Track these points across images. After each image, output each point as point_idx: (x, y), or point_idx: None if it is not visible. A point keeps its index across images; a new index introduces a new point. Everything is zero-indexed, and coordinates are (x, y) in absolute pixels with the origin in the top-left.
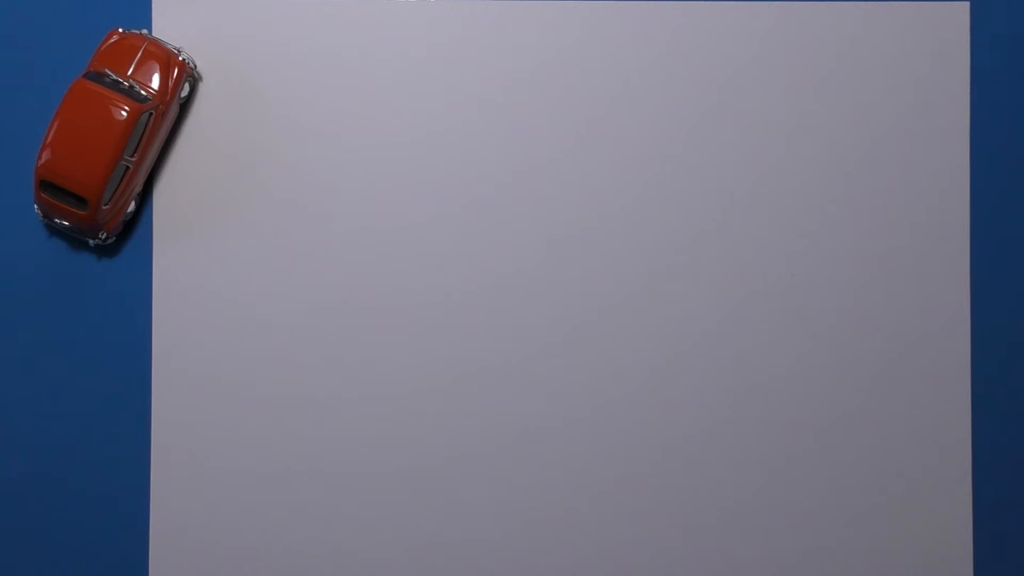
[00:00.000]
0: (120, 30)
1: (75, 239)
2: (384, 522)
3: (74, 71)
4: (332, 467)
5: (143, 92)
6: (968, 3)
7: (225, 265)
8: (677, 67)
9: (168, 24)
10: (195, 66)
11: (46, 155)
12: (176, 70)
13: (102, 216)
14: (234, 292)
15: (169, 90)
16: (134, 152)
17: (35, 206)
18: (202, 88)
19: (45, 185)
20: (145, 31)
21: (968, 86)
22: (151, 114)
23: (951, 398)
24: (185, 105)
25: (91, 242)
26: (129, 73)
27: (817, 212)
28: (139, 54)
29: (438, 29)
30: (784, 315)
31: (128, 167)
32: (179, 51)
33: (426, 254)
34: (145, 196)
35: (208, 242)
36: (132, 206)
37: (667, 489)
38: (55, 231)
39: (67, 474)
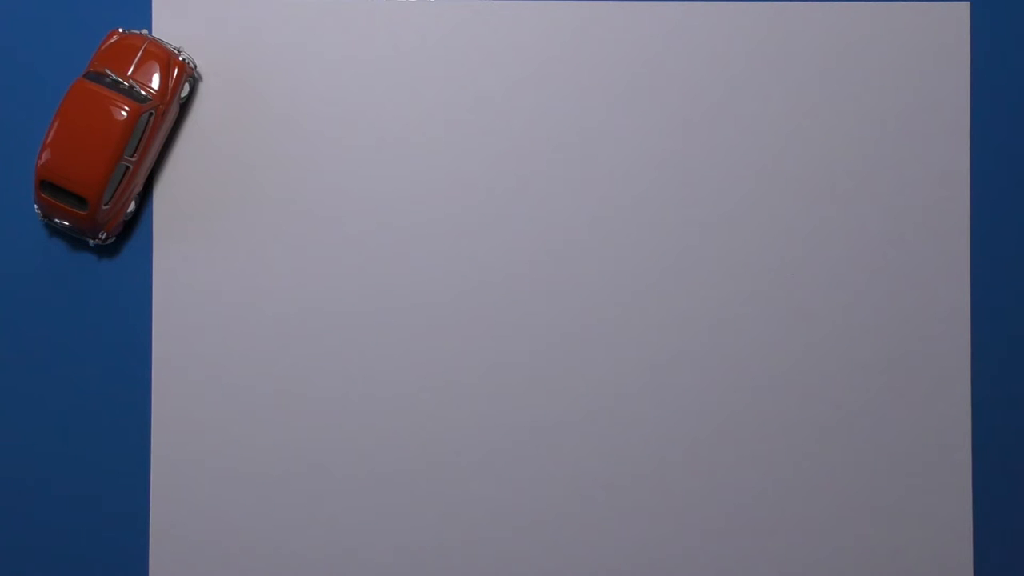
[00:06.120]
0: (120, 30)
1: (75, 239)
2: (385, 523)
3: (74, 71)
4: (332, 467)
5: (143, 92)
6: (968, 3)
7: (225, 265)
8: (677, 67)
9: (168, 24)
10: (195, 66)
11: (46, 155)
12: (176, 70)
13: (102, 216)
14: (234, 292)
15: (169, 90)
16: (134, 152)
17: (35, 206)
18: (202, 88)
19: (45, 185)
20: (145, 31)
21: (968, 86)
22: (151, 114)
23: (951, 398)
24: (185, 105)
25: (91, 242)
26: (129, 73)
27: (817, 212)
28: (139, 54)
29: (438, 29)
30: (784, 315)
31: (128, 167)
32: (179, 51)
33: (426, 254)
34: (145, 196)
35: (208, 242)
36: (132, 206)
37: (666, 490)
38: (55, 231)
39: (67, 474)
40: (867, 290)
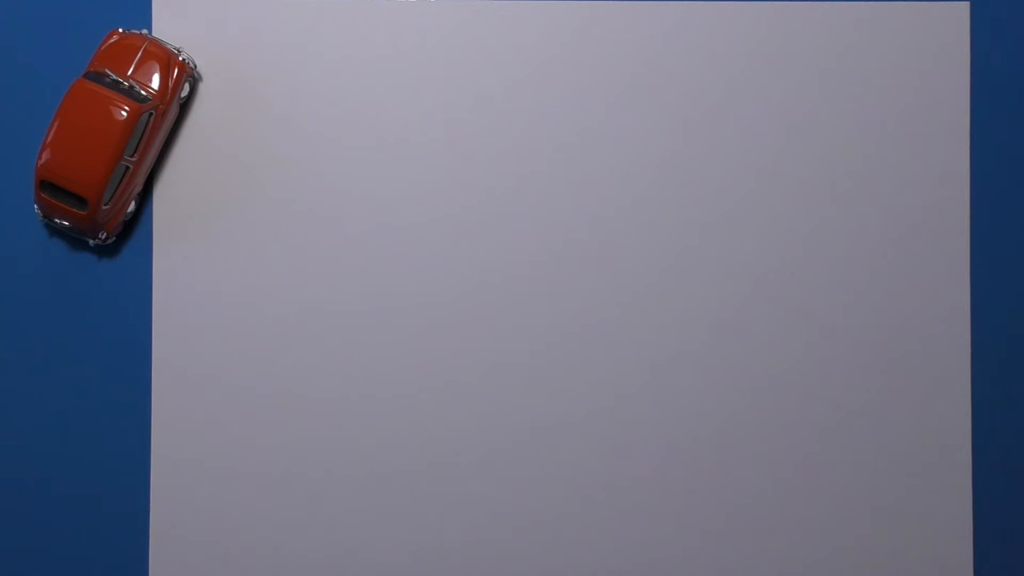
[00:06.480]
0: (120, 30)
1: (75, 239)
2: (384, 523)
3: (74, 71)
4: (332, 467)
5: (143, 92)
6: (968, 3)
7: (225, 265)
8: (677, 67)
9: (168, 24)
10: (195, 66)
11: (46, 155)
12: (176, 70)
13: (102, 216)
14: (234, 292)
15: (169, 90)
16: (134, 152)
17: (35, 206)
18: (202, 88)
19: (45, 185)
20: (145, 31)
21: (968, 86)
22: (151, 114)
23: (951, 398)
24: (185, 105)
25: (91, 242)
26: (129, 73)
27: (817, 212)
28: (139, 54)
29: (438, 29)
30: (784, 315)
31: (128, 167)
32: (179, 51)
33: (426, 254)
34: (145, 196)
35: (208, 242)
36: (132, 206)
37: (666, 490)
38: (55, 231)
39: (67, 474)
40: (867, 290)
